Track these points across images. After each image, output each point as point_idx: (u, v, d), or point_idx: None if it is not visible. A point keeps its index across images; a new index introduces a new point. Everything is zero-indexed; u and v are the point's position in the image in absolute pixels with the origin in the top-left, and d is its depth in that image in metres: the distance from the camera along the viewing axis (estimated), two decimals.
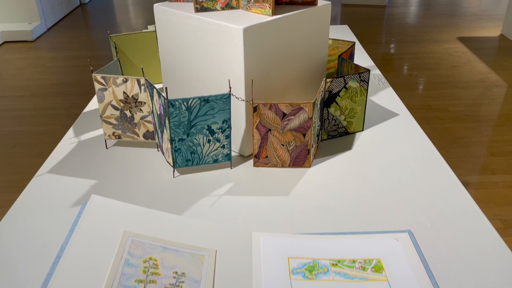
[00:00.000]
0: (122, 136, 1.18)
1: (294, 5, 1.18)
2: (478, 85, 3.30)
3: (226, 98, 1.03)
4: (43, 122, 2.80)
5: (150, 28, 1.51)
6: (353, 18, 4.86)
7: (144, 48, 1.42)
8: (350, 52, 1.39)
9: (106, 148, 1.20)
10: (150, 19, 4.98)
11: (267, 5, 1.08)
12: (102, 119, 1.16)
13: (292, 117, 1.04)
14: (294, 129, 1.06)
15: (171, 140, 1.03)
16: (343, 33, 2.15)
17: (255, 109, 1.05)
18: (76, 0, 5.20)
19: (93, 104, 1.47)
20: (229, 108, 1.04)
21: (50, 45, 4.22)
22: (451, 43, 4.19)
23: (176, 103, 1.00)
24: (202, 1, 1.11)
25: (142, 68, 1.08)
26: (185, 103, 1.00)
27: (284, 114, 1.05)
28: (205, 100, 1.01)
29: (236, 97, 1.07)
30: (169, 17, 1.17)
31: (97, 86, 1.13)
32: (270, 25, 1.06)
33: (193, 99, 1.00)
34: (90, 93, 3.12)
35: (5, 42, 4.29)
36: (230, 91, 1.02)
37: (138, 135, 1.18)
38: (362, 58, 1.85)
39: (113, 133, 1.18)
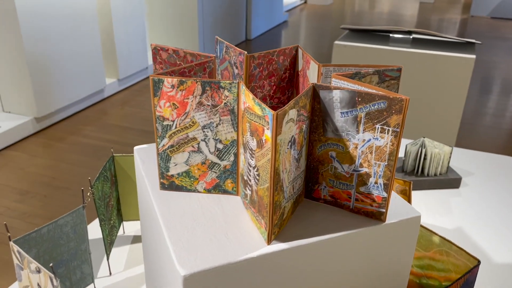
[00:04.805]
0: None
1: (342, 209, 0.62)
2: None
3: None
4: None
5: None
6: (482, 35, 3.67)
7: None
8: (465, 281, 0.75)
9: None
10: (321, 59, 4.59)
11: (263, 222, 0.55)
12: None
13: None
14: None
15: None
16: (469, 162, 1.39)
17: None
18: (242, 35, 5.18)
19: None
20: None
21: None
22: None
23: None
24: (173, 175, 0.65)
25: (53, 278, 0.67)
26: None
27: None
28: None
29: None
30: (142, 181, 0.73)
31: (15, 260, 0.76)
32: (255, 263, 0.54)
33: None
34: None
35: None
36: None
37: None
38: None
39: None
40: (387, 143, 0.55)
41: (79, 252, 0.88)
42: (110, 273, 0.97)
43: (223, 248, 0.54)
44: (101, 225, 0.92)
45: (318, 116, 0.58)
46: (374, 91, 0.55)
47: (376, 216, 0.60)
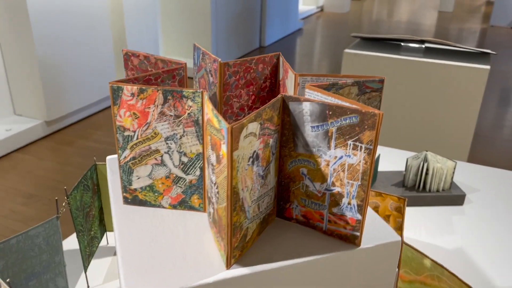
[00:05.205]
0: None
1: (315, 230, 0.58)
2: None
3: None
4: None
5: None
6: (501, 45, 3.56)
7: None
8: None
9: None
10: (334, 68, 4.53)
11: (222, 244, 0.51)
12: None
13: None
14: None
15: None
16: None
17: None
18: (256, 42, 5.15)
19: None
20: None
21: None
22: None
23: None
24: (136, 189, 0.61)
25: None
26: None
27: None
28: None
29: None
30: (110, 193, 0.69)
31: None
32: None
33: None
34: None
35: None
36: None
37: None
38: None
39: None
40: (360, 161, 0.50)
41: (53, 264, 0.85)
42: (88, 286, 0.94)
43: (178, 271, 0.50)
44: (78, 236, 0.88)
45: (288, 130, 0.54)
46: (346, 104, 0.50)
47: (350, 239, 0.55)
